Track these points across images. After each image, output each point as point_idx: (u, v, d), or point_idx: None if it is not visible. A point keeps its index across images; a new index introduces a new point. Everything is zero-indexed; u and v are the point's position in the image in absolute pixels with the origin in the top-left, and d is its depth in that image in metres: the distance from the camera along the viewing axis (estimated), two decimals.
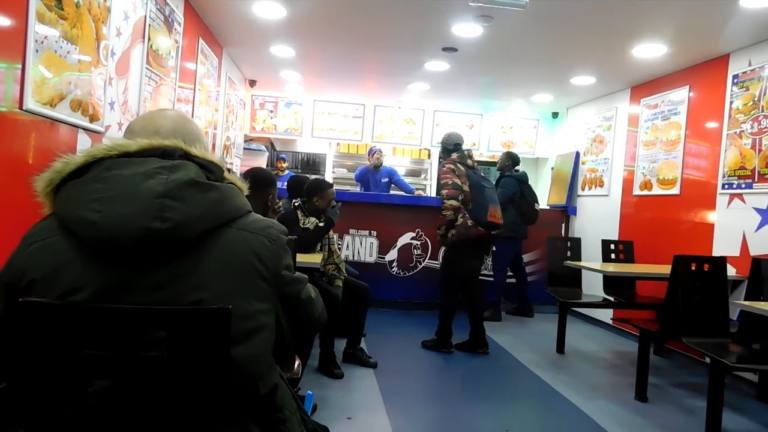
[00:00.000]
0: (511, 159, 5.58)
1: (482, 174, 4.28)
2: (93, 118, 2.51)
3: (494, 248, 5.50)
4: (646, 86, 5.14)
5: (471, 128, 7.08)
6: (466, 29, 4.00)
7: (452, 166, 4.07)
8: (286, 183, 4.43)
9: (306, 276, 1.18)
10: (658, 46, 4.14)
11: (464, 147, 4.32)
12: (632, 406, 3.22)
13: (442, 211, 3.99)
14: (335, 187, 3.98)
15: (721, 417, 2.70)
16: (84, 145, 2.44)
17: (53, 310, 0.91)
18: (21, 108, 1.99)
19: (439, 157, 4.65)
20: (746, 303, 2.78)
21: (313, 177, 4.17)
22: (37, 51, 2.02)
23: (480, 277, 4.43)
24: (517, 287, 5.67)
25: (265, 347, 1.05)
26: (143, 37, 3.05)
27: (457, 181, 3.98)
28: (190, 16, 3.87)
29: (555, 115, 6.98)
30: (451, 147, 4.24)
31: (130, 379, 0.92)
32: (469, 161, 4.16)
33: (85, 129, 2.46)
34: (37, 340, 0.91)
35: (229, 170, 1.14)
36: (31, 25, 1.97)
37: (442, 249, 4.63)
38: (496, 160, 6.68)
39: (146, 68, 3.11)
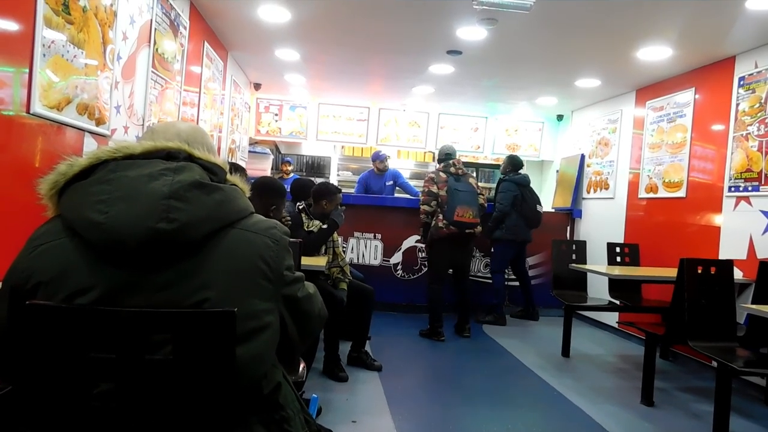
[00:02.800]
0: (512, 164, 5.58)
1: (470, 179, 4.82)
2: (99, 122, 2.52)
3: (492, 250, 5.51)
4: (651, 89, 5.13)
5: (476, 131, 7.09)
6: (471, 32, 4.00)
7: (432, 175, 4.73)
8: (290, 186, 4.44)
9: (302, 274, 1.19)
10: (664, 49, 4.12)
11: (468, 151, 5.05)
12: (638, 410, 3.20)
13: (420, 214, 4.72)
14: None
15: (728, 422, 2.68)
16: (90, 148, 2.45)
17: (59, 313, 0.92)
18: (28, 112, 2.00)
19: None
20: (753, 306, 2.76)
21: (319, 181, 4.19)
22: (44, 55, 2.04)
23: (479, 279, 4.62)
24: (521, 291, 5.65)
25: (268, 346, 1.06)
26: (149, 41, 3.06)
27: (434, 189, 4.64)
28: (195, 19, 3.89)
29: (560, 117, 6.97)
30: (442, 157, 4.87)
31: (135, 382, 0.93)
32: (452, 169, 4.72)
33: (92, 132, 2.48)
34: (43, 342, 0.92)
35: (238, 167, 1.16)
36: (38, 30, 1.99)
37: None
38: (500, 163, 6.67)
39: (152, 72, 3.13)
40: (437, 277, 4.71)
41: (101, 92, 2.52)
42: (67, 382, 0.93)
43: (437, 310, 4.66)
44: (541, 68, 4.97)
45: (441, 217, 4.56)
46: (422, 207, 4.67)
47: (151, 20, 3.07)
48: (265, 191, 2.93)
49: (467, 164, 8.41)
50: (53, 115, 2.15)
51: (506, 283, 5.50)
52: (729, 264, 3.18)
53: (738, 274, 3.60)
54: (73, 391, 0.93)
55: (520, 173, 5.54)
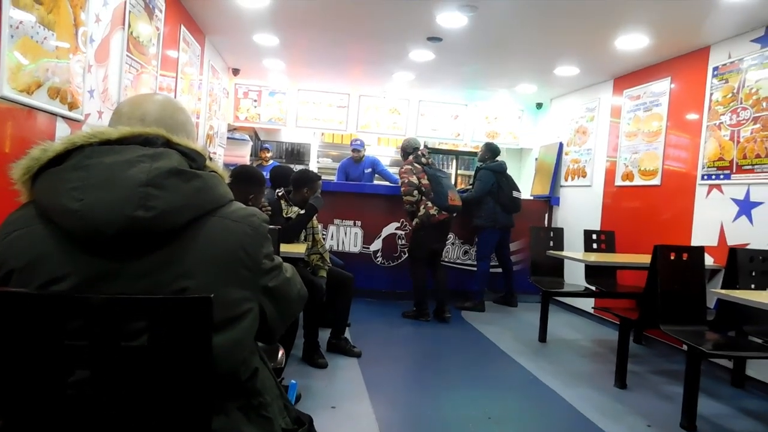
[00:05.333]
0: (490, 151, 5.63)
1: (437, 166, 5.15)
2: (72, 106, 2.46)
3: (476, 239, 5.58)
4: (628, 77, 5.19)
5: (455, 119, 7.09)
6: (451, 19, 3.99)
7: (409, 167, 4.85)
8: (269, 173, 4.42)
9: (281, 260, 1.18)
10: (641, 38, 4.17)
11: (448, 138, 5.31)
12: (612, 393, 3.28)
13: (404, 204, 4.84)
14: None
15: (696, 402, 2.77)
16: (63, 133, 2.40)
17: (31, 300, 0.90)
18: None
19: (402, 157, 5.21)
20: (722, 291, 2.84)
21: (299, 168, 4.16)
22: (12, 36, 1.97)
23: (458, 266, 5.21)
24: (503, 277, 5.72)
25: (247, 333, 1.06)
26: (123, 24, 2.99)
27: (413, 179, 4.77)
28: (171, 2, 3.80)
29: (539, 105, 7.02)
30: (410, 150, 5.01)
31: (110, 370, 0.92)
32: (423, 159, 4.93)
33: (64, 117, 2.42)
34: (15, 330, 0.90)
35: (210, 158, 1.13)
36: (5, 10, 1.92)
37: None
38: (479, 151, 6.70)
39: (127, 56, 3.06)
40: (421, 262, 4.89)
41: (73, 76, 2.45)
42: (40, 370, 0.91)
43: (424, 293, 4.87)
44: (521, 56, 4.99)
45: (430, 204, 4.73)
46: (406, 198, 4.78)
47: (125, 2, 2.99)
48: (244, 180, 2.91)
49: (447, 152, 8.48)
50: (23, 98, 2.09)
51: (490, 270, 5.54)
52: (700, 250, 3.26)
53: (709, 261, 3.70)
54: (47, 378, 0.92)
55: (497, 161, 5.60)
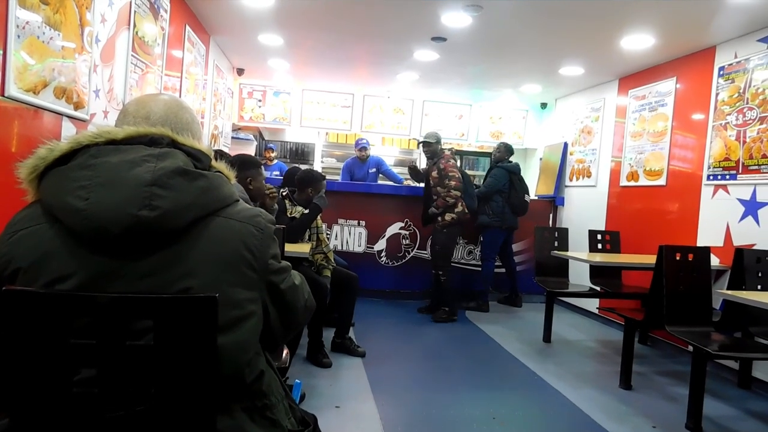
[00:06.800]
0: (508, 151, 5.61)
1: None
2: (78, 106, 2.47)
3: (481, 238, 5.57)
4: (633, 77, 5.17)
5: (460, 118, 7.09)
6: (456, 18, 3.98)
7: (454, 162, 4.91)
8: (283, 173, 4.44)
9: (290, 264, 1.18)
10: (646, 38, 4.15)
11: (453, 138, 5.43)
12: (617, 394, 3.27)
13: (446, 197, 4.76)
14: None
15: (702, 403, 2.76)
16: (69, 133, 2.41)
17: (38, 299, 0.91)
18: (3, 95, 1.95)
19: (427, 150, 4.99)
20: (729, 292, 2.83)
21: (304, 168, 4.17)
22: (18, 36, 1.98)
23: (462, 266, 5.45)
24: (507, 277, 5.71)
25: (252, 335, 1.06)
26: (128, 24, 3.00)
27: (459, 176, 4.82)
28: (176, 2, 3.81)
29: (544, 105, 7.01)
30: (443, 144, 5.05)
31: (116, 368, 0.92)
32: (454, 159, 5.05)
33: (70, 117, 2.43)
34: (22, 329, 0.91)
35: (221, 155, 1.14)
36: (12, 10, 1.93)
37: (431, 234, 5.23)
38: (484, 151, 6.72)
39: (132, 55, 3.07)
40: (450, 261, 5.01)
41: (79, 75, 2.46)
42: (46, 368, 0.92)
43: (453, 293, 5.00)
44: (526, 56, 4.98)
45: (463, 203, 4.84)
46: (454, 192, 4.75)
47: (131, 2, 3.00)
48: (238, 166, 2.89)
49: None
50: (29, 98, 2.10)
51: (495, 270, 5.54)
52: (706, 251, 3.24)
53: (715, 261, 3.68)
54: (53, 377, 0.92)
55: (512, 161, 5.59)
